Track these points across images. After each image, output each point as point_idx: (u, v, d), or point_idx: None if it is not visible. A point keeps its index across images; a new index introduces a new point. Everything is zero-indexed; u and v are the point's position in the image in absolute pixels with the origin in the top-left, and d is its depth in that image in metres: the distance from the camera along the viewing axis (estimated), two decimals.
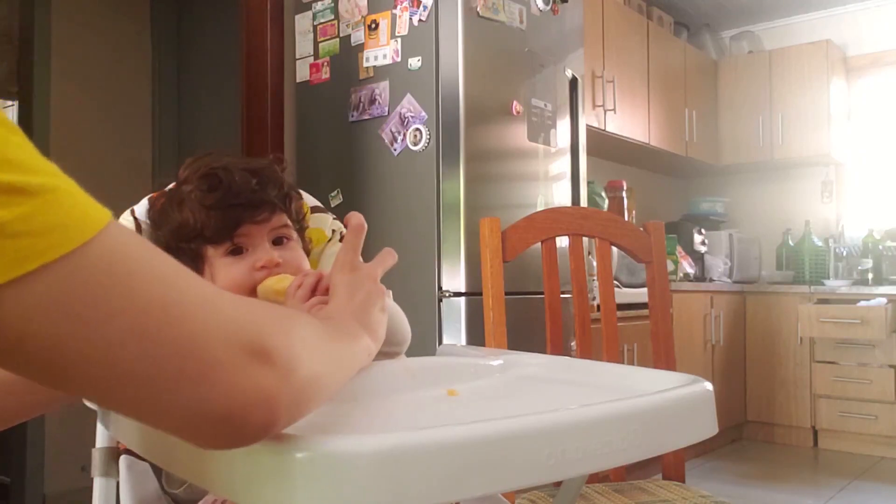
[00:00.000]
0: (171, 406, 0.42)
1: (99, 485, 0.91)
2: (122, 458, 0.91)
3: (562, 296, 1.47)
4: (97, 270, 0.39)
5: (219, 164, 0.91)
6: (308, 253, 1.00)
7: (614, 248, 1.59)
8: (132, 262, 0.41)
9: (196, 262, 0.92)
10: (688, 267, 4.07)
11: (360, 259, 0.79)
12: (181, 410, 0.42)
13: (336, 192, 2.51)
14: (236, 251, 0.90)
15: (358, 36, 2.47)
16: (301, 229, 0.99)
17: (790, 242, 4.60)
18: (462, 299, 2.23)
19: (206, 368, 0.41)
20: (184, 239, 0.91)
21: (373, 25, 2.42)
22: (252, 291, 0.88)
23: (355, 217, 0.81)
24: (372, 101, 2.42)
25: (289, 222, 0.94)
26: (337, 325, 0.65)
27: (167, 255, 0.44)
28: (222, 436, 0.44)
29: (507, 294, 1.39)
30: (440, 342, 2.24)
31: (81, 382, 0.40)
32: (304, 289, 0.81)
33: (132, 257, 0.41)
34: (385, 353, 0.80)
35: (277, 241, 0.92)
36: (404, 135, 2.33)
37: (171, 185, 0.97)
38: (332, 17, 2.56)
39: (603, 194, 3.66)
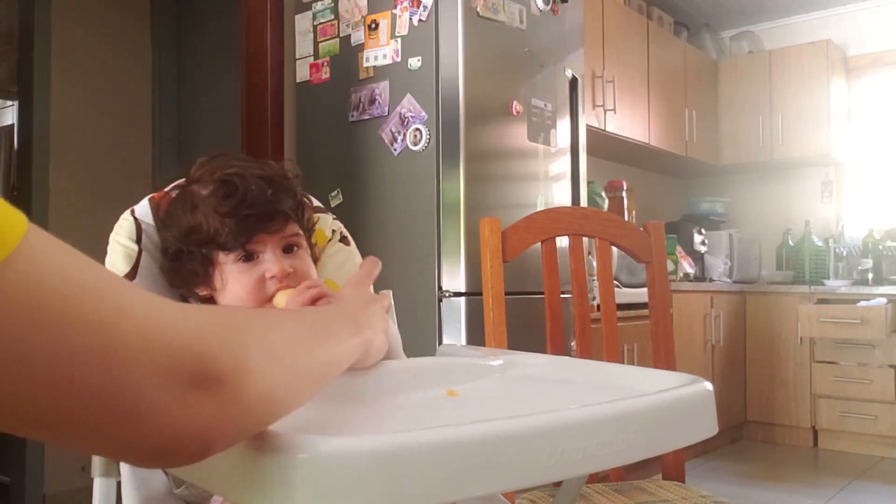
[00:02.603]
0: (101, 443, 0.40)
1: (99, 485, 0.91)
2: None
3: (562, 296, 1.47)
4: (9, 309, 0.33)
5: (233, 169, 0.92)
6: (316, 260, 1.02)
7: (614, 248, 1.59)
8: (52, 297, 0.35)
9: (206, 266, 0.92)
10: (688, 267, 4.07)
11: (372, 288, 0.86)
12: (111, 447, 0.41)
13: (336, 192, 2.51)
14: (248, 258, 0.91)
15: (358, 36, 2.47)
16: (309, 236, 1.01)
17: (790, 242, 4.60)
18: (462, 299, 2.23)
19: (137, 408, 0.38)
20: (194, 243, 0.91)
21: (373, 25, 2.42)
22: (262, 299, 0.91)
23: (372, 258, 0.90)
24: (372, 101, 2.42)
25: (300, 231, 0.96)
26: (335, 316, 0.67)
27: (94, 268, 0.38)
28: (156, 463, 0.44)
29: (507, 294, 1.39)
30: (440, 342, 2.24)
31: (5, 424, 0.37)
32: (304, 299, 0.84)
33: (52, 289, 0.35)
34: None
35: (288, 249, 0.94)
36: (404, 135, 2.33)
37: (176, 184, 0.97)
38: (332, 17, 2.56)
39: (603, 194, 3.66)
